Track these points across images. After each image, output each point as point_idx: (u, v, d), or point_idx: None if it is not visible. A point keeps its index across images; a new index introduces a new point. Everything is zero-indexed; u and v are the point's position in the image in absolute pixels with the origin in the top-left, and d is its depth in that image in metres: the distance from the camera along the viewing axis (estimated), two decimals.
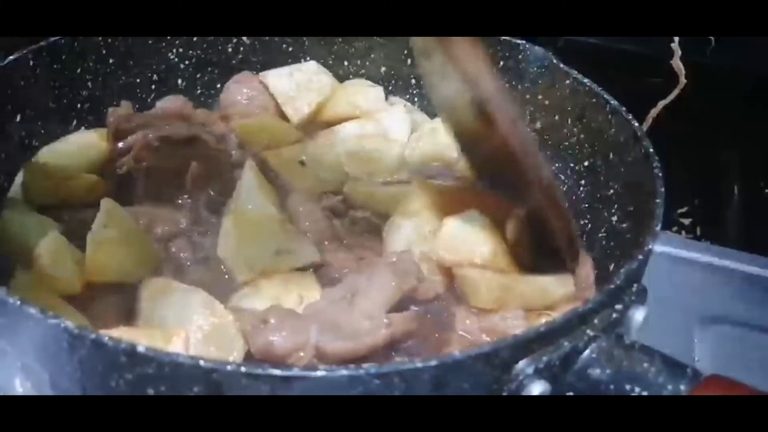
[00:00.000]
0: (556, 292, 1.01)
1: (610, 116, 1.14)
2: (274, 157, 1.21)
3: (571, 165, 1.24)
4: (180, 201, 1.15)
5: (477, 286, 0.99)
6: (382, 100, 1.36)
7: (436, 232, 1.07)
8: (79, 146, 1.17)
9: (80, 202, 1.10)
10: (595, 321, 0.80)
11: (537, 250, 1.03)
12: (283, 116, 1.32)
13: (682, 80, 1.59)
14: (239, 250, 1.04)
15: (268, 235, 1.06)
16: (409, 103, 1.40)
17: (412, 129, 1.32)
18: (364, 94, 1.35)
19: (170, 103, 1.26)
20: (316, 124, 1.33)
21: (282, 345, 0.87)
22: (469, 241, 1.06)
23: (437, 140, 1.27)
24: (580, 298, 1.02)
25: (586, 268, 1.07)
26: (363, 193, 1.18)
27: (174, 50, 1.33)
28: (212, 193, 1.16)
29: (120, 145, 1.15)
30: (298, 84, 1.33)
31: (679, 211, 1.64)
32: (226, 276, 1.04)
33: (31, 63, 1.14)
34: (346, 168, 1.22)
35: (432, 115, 1.36)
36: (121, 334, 0.81)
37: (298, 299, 0.98)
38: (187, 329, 0.90)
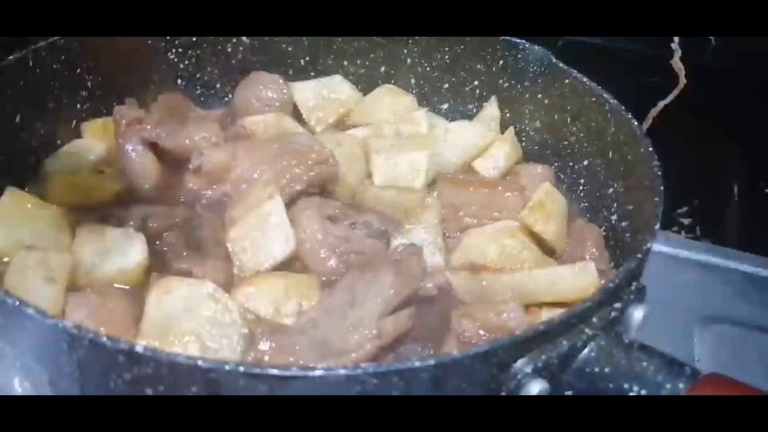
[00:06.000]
0: (569, 284, 0.99)
1: (609, 115, 1.14)
2: None
3: (571, 164, 1.24)
4: (178, 198, 1.15)
5: (467, 286, 1.00)
6: (411, 108, 1.34)
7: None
8: (80, 149, 1.19)
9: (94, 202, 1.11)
10: (594, 320, 0.80)
11: None
12: (300, 120, 1.32)
13: (682, 80, 1.59)
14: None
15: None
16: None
17: (428, 130, 1.30)
18: (391, 104, 1.34)
19: (170, 99, 1.26)
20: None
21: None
22: (472, 245, 1.07)
23: (453, 142, 1.26)
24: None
25: (594, 237, 1.10)
26: (371, 196, 1.17)
27: (174, 50, 1.33)
28: (210, 192, 1.15)
29: (122, 127, 1.16)
30: (323, 96, 1.34)
31: (679, 210, 1.64)
32: (221, 269, 1.03)
33: (31, 63, 1.13)
34: (355, 170, 1.21)
35: (448, 117, 1.36)
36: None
37: (296, 306, 0.96)
38: (196, 322, 0.89)
